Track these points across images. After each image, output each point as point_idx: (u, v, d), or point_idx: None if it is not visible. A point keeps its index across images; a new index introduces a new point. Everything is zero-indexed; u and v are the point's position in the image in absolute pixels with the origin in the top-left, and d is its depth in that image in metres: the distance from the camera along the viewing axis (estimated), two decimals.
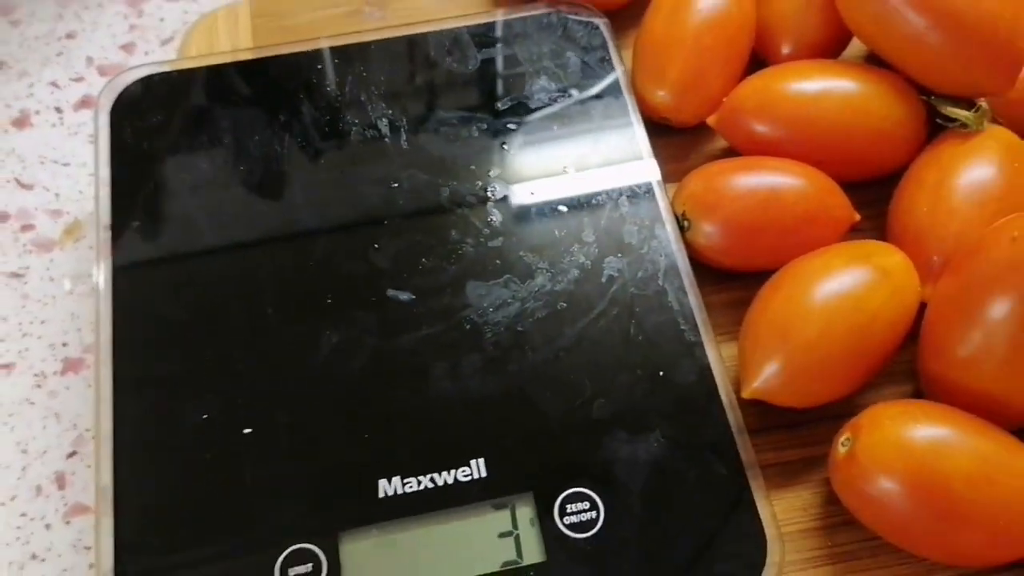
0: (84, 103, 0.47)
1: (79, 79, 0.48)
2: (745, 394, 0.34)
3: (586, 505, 0.32)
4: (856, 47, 0.43)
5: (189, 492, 0.32)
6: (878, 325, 0.34)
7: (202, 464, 0.33)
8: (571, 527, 0.32)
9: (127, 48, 0.49)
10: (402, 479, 0.32)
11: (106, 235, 0.37)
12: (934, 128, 0.40)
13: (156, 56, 0.49)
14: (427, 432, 0.33)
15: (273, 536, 0.31)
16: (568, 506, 0.32)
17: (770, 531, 0.32)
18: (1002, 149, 0.37)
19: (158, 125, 0.40)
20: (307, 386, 0.34)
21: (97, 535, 0.31)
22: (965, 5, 0.36)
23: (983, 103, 0.38)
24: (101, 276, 0.36)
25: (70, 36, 0.49)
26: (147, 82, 0.41)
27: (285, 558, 0.31)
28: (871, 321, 0.34)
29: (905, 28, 0.37)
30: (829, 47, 0.42)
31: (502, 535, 0.32)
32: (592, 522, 0.32)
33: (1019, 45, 0.37)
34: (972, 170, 0.37)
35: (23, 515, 0.36)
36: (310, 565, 0.31)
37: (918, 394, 0.36)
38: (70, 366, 0.39)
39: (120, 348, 0.35)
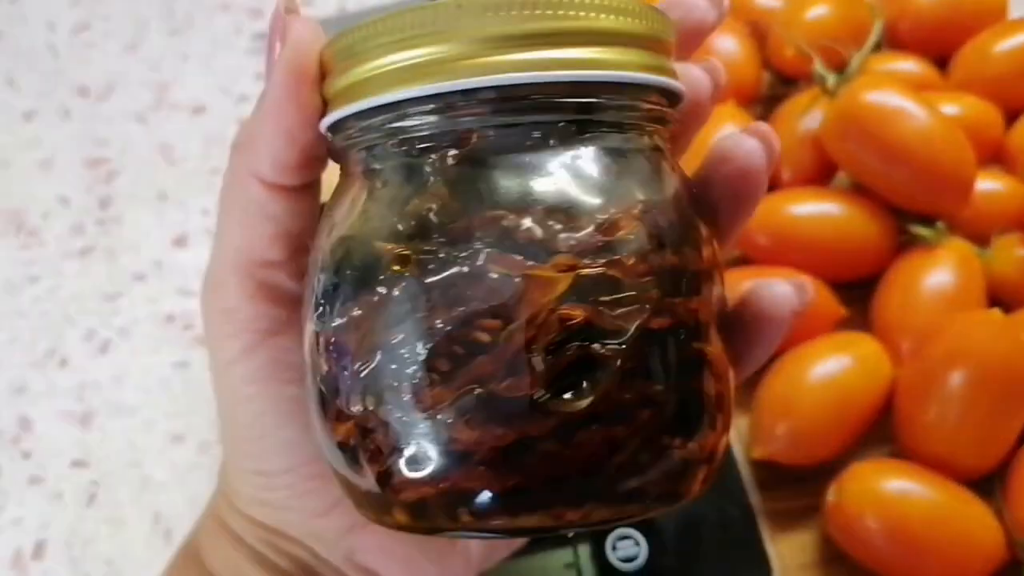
0: None
1: None
2: (754, 455, 0.44)
3: (632, 543, 0.42)
4: (843, 175, 0.52)
5: None
6: (857, 400, 0.44)
7: None
8: (620, 559, 0.42)
9: None
10: None
11: None
12: (907, 240, 0.49)
13: None
14: None
15: None
16: (618, 543, 0.42)
17: (775, 563, 0.42)
18: (957, 259, 0.46)
19: None
20: None
21: None
22: (919, 146, 0.46)
23: (940, 223, 0.47)
24: None
25: (214, 172, 0.62)
26: None
27: None
28: (851, 397, 0.43)
29: (876, 164, 0.47)
30: (821, 175, 0.52)
31: (567, 566, 0.42)
32: (635, 556, 0.42)
33: (964, 175, 0.46)
34: (933, 276, 0.46)
35: None
36: None
37: (895, 454, 0.45)
38: None
39: None
